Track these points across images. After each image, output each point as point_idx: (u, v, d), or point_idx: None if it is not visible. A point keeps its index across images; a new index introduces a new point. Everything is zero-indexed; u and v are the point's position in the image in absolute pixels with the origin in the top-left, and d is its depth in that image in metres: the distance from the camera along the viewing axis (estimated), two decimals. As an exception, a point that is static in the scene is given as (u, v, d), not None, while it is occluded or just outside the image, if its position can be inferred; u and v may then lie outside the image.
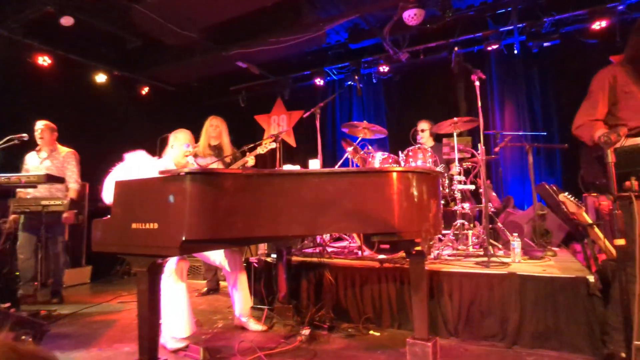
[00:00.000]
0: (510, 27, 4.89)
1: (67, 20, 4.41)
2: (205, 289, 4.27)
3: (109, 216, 2.02)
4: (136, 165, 2.74)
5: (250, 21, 5.13)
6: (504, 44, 5.14)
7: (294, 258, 3.49)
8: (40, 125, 4.07)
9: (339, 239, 4.44)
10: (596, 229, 2.73)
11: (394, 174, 2.08)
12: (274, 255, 3.56)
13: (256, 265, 3.61)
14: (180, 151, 3.01)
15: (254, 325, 2.98)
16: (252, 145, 3.29)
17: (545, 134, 4.80)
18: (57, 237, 4.03)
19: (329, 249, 3.82)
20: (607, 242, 2.62)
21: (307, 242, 4.06)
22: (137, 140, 3.21)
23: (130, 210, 1.93)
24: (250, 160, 3.39)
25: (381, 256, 3.32)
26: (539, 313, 2.54)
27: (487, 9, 4.89)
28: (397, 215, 2.05)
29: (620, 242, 1.38)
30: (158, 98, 6.99)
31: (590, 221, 2.81)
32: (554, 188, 3.65)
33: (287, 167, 3.94)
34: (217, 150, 3.59)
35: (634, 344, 1.37)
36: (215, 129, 3.60)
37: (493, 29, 5.01)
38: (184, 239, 1.73)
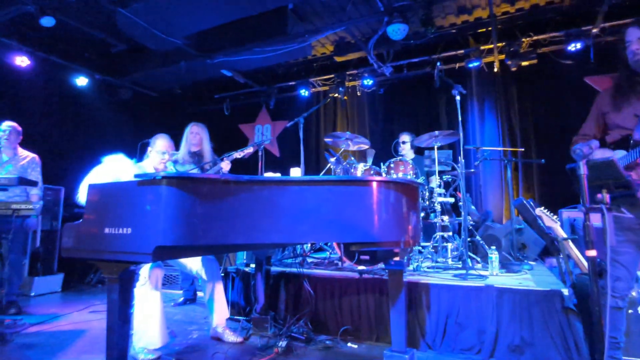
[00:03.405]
0: (490, 46, 5.03)
1: (47, 21, 4.32)
2: (182, 298, 4.17)
3: (80, 220, 1.95)
4: (114, 168, 2.68)
5: (235, 30, 5.14)
6: (485, 61, 5.28)
7: (273, 268, 3.45)
8: (7, 126, 3.86)
9: (320, 250, 4.41)
10: (571, 243, 2.78)
11: (375, 184, 2.09)
12: (253, 265, 3.51)
13: (234, 275, 3.55)
14: (158, 157, 2.97)
15: (230, 337, 2.91)
16: (229, 153, 3.27)
17: (523, 149, 4.93)
18: (18, 243, 3.82)
19: (309, 260, 3.78)
20: (580, 257, 2.68)
21: (287, 252, 4.02)
22: (117, 145, 3.15)
23: (103, 215, 1.87)
24: (224, 166, 3.34)
25: (361, 267, 3.31)
26: (515, 326, 2.56)
27: (468, 27, 5.03)
28: (376, 225, 2.05)
29: (592, 253, 1.40)
30: (140, 103, 6.90)
31: (565, 235, 2.87)
32: (531, 203, 3.73)
33: (268, 175, 3.92)
34: (197, 158, 3.54)
35: (606, 357, 1.39)
36: (195, 136, 3.55)
37: (474, 47, 5.15)
38: (157, 245, 1.69)
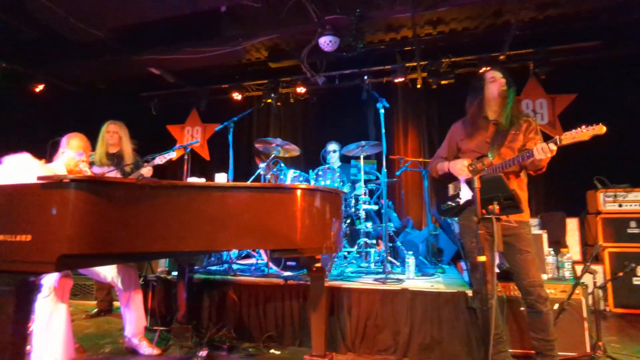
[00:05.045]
0: (414, 64, 5.39)
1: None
2: (96, 309, 3.87)
3: (-30, 227, 1.75)
4: (16, 170, 2.44)
5: (165, 28, 4.94)
6: (409, 77, 5.63)
7: (197, 275, 3.35)
8: None
9: (247, 256, 4.37)
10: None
11: (298, 191, 2.14)
12: (175, 273, 3.38)
13: (155, 283, 3.39)
14: (72, 159, 2.77)
15: (146, 348, 2.77)
16: (152, 156, 3.12)
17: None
18: None
19: (235, 267, 3.74)
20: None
21: (213, 258, 3.93)
22: (27, 144, 2.85)
23: (-2, 220, 1.70)
24: (146, 172, 3.18)
25: (286, 273, 3.34)
26: (426, 326, 2.76)
27: (395, 44, 5.33)
28: (299, 231, 2.10)
29: (482, 258, 1.58)
30: (56, 98, 6.31)
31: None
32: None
33: (192, 180, 3.81)
34: (116, 159, 3.32)
35: (490, 353, 1.56)
36: (113, 135, 3.33)
37: (400, 64, 5.48)
38: (62, 253, 1.58)
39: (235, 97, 6.38)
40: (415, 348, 2.73)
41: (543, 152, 1.97)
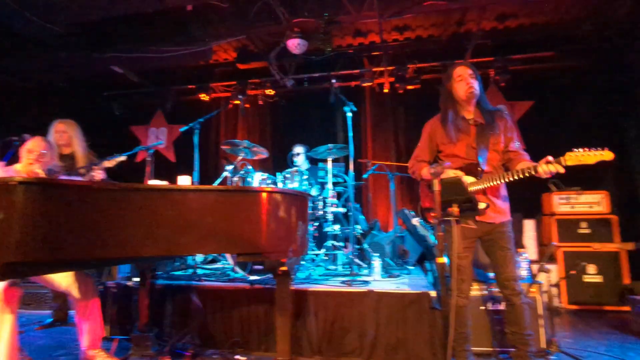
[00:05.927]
0: (382, 68, 5.48)
1: None
2: (50, 319, 3.67)
3: None
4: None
5: (129, 25, 4.79)
6: (377, 82, 5.72)
7: (160, 281, 3.25)
8: None
9: (213, 260, 4.29)
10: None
11: (263, 194, 2.12)
12: (136, 279, 3.26)
13: (114, 290, 3.26)
14: (27, 163, 2.65)
15: (104, 359, 2.65)
16: (105, 158, 2.95)
17: (408, 164, 5.43)
18: None
19: (200, 271, 3.65)
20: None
21: (177, 263, 3.83)
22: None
23: None
24: (97, 174, 3.02)
25: (253, 277, 3.30)
26: (392, 327, 2.79)
27: (363, 49, 5.41)
28: (264, 235, 2.07)
29: (442, 260, 1.62)
30: (9, 96, 5.96)
31: (436, 242, 3.23)
32: (411, 213, 4.13)
33: (154, 183, 3.70)
34: (70, 161, 3.14)
35: (449, 350, 1.60)
36: (62, 135, 3.14)
37: (368, 68, 5.55)
38: (7, 261, 1.49)
39: (203, 98, 6.26)
40: (381, 350, 2.75)
41: (550, 173, 1.99)
